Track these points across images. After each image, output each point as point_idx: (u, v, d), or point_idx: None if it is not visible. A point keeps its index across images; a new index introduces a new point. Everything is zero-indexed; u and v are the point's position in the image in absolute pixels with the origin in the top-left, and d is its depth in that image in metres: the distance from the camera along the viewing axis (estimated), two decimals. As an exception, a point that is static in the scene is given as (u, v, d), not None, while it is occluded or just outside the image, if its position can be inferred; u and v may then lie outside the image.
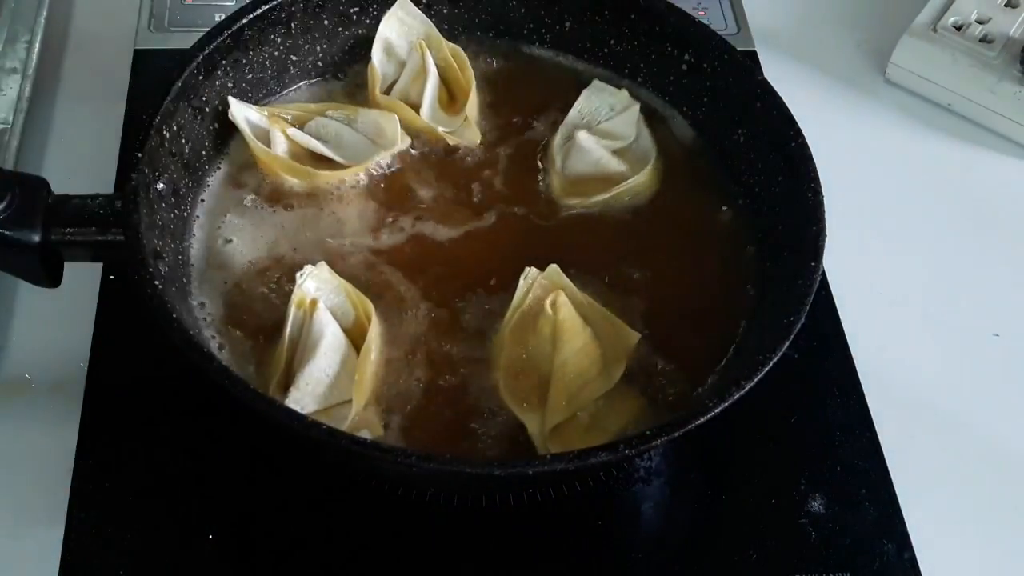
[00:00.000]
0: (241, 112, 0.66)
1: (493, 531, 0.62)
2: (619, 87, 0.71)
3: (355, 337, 0.60)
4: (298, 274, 0.59)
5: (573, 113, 0.70)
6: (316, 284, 0.60)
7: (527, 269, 0.61)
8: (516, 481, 0.59)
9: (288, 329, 0.58)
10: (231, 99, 0.66)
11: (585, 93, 0.71)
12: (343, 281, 0.61)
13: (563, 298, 0.60)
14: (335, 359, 0.58)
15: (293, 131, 0.67)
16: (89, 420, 0.63)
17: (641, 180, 0.68)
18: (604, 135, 0.69)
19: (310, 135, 0.67)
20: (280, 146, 0.67)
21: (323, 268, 0.60)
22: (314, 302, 0.59)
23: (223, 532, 0.61)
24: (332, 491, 0.63)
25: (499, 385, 0.59)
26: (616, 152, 0.69)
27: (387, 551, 0.61)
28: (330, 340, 0.58)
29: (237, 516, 0.62)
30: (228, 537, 0.61)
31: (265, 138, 0.67)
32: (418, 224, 0.66)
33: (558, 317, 0.59)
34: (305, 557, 0.60)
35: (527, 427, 0.58)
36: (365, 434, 0.57)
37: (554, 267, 0.62)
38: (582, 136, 0.68)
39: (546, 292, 0.61)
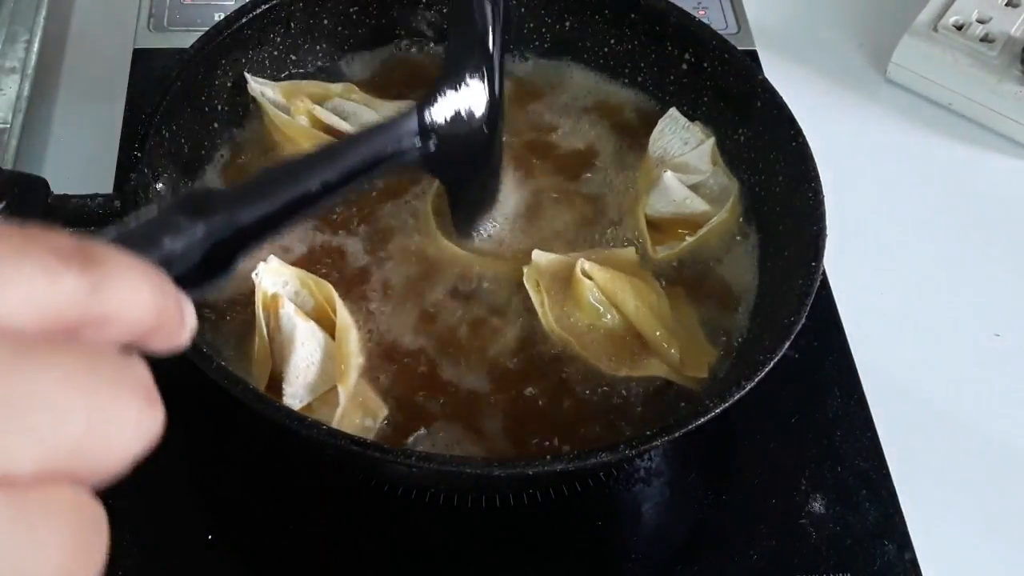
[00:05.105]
0: (259, 88, 0.66)
1: (493, 531, 0.62)
2: (692, 119, 0.70)
3: (322, 321, 0.60)
4: (253, 275, 0.59)
5: (651, 147, 0.68)
6: (271, 279, 0.59)
7: (524, 269, 0.62)
8: (516, 481, 0.59)
9: (264, 330, 0.58)
10: (248, 75, 0.66)
11: (660, 124, 0.69)
12: (296, 270, 0.61)
13: (588, 264, 0.61)
14: (314, 346, 0.58)
15: (319, 110, 0.67)
16: (88, 420, 0.63)
17: (723, 218, 0.65)
18: (679, 169, 0.67)
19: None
20: (301, 121, 0.67)
21: (273, 261, 0.60)
22: (276, 297, 0.59)
23: (223, 532, 0.61)
24: (332, 491, 0.63)
25: (601, 367, 0.60)
26: (692, 187, 0.66)
27: (387, 551, 0.61)
28: (303, 330, 0.58)
29: (237, 516, 0.62)
30: (228, 537, 0.61)
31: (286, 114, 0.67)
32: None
33: (598, 281, 0.61)
34: (305, 557, 0.60)
35: (660, 375, 0.60)
36: (369, 421, 0.57)
37: (536, 252, 0.63)
38: (668, 177, 0.65)
39: (559, 270, 0.62)
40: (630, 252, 0.64)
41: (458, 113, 0.53)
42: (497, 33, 0.56)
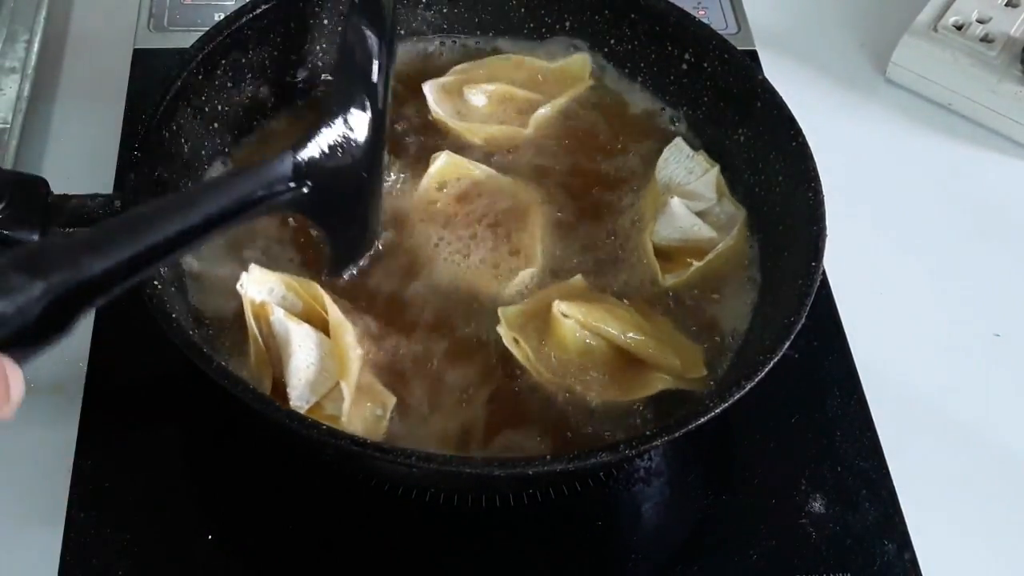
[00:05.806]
0: None
1: (493, 531, 0.62)
2: (696, 148, 0.69)
3: (314, 320, 0.59)
4: (238, 286, 0.59)
5: (657, 174, 0.68)
6: (256, 287, 0.59)
7: (499, 330, 0.60)
8: (516, 481, 0.59)
9: (259, 339, 0.58)
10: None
11: (664, 153, 0.68)
12: (279, 274, 0.60)
13: (563, 305, 0.60)
14: (311, 347, 0.58)
15: None
16: (88, 420, 0.63)
17: (730, 244, 0.64)
18: (685, 197, 0.66)
19: None
20: None
21: (255, 270, 0.60)
22: (264, 305, 0.59)
23: (222, 532, 0.61)
24: (332, 491, 0.63)
25: (609, 398, 0.59)
26: (699, 214, 0.66)
27: (387, 551, 0.61)
28: (297, 332, 0.58)
29: (236, 516, 0.62)
30: (227, 537, 0.61)
31: None
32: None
33: (578, 318, 0.59)
34: (305, 557, 0.60)
35: (668, 387, 0.59)
36: (379, 411, 0.57)
37: (500, 309, 0.61)
38: (675, 203, 0.65)
39: (529, 319, 0.61)
40: (579, 280, 0.63)
41: (335, 153, 0.52)
42: (382, 69, 0.55)
